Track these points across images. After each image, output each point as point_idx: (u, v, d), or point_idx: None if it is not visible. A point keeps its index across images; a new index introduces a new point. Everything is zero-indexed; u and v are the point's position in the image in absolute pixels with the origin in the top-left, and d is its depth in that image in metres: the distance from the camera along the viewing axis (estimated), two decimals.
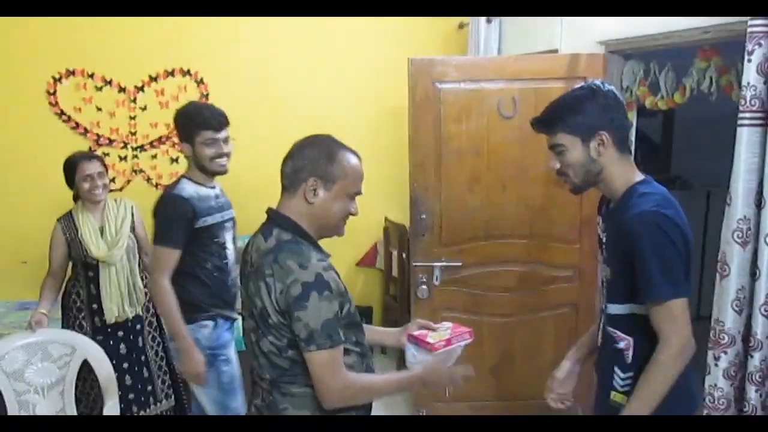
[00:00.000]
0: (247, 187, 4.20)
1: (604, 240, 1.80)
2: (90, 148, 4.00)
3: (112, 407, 2.52)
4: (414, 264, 3.26)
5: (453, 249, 3.26)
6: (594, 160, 1.67)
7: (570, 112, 1.67)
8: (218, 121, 2.47)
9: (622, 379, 1.69)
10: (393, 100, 4.35)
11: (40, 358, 2.70)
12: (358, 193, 1.66)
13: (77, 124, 4.03)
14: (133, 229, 3.06)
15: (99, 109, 4.06)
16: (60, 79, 3.97)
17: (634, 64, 3.17)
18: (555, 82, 3.12)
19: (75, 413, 2.74)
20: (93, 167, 2.89)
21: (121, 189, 4.14)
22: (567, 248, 3.26)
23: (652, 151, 4.32)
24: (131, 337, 3.01)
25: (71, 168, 2.90)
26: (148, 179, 4.20)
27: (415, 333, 1.87)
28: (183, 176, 2.58)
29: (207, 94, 4.20)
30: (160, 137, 4.17)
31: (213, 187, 2.59)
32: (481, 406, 3.41)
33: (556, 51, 3.39)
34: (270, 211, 1.66)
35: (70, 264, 3.00)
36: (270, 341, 1.56)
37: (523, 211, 3.22)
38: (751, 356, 2.44)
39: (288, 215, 1.61)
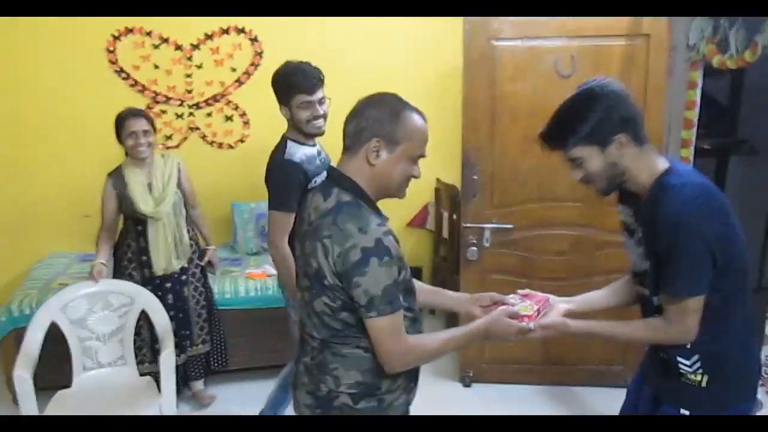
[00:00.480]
0: None
1: (634, 230, 1.74)
2: (147, 106, 4.09)
3: (168, 356, 2.61)
4: (464, 225, 3.24)
5: (504, 211, 3.22)
6: (615, 164, 1.60)
7: (580, 124, 1.59)
8: (311, 83, 2.45)
9: (690, 365, 1.64)
10: (448, 60, 4.28)
11: (101, 307, 2.84)
12: (422, 155, 1.61)
13: (135, 82, 4.11)
14: (179, 184, 3.12)
15: (156, 67, 4.13)
16: (119, 37, 4.04)
17: (701, 21, 3.01)
18: (616, 39, 3.02)
19: (134, 360, 2.87)
20: (138, 125, 2.93)
21: (177, 146, 4.23)
22: None
23: (719, 113, 4.12)
24: (177, 287, 3.12)
25: (119, 124, 2.95)
26: (204, 137, 4.27)
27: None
28: (286, 138, 2.58)
29: (261, 52, 4.21)
30: (215, 95, 4.22)
31: (314, 146, 2.60)
32: (528, 369, 3.41)
33: None
34: (330, 170, 1.63)
35: (122, 217, 3.09)
36: (324, 302, 1.54)
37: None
38: None
39: (349, 176, 1.56)
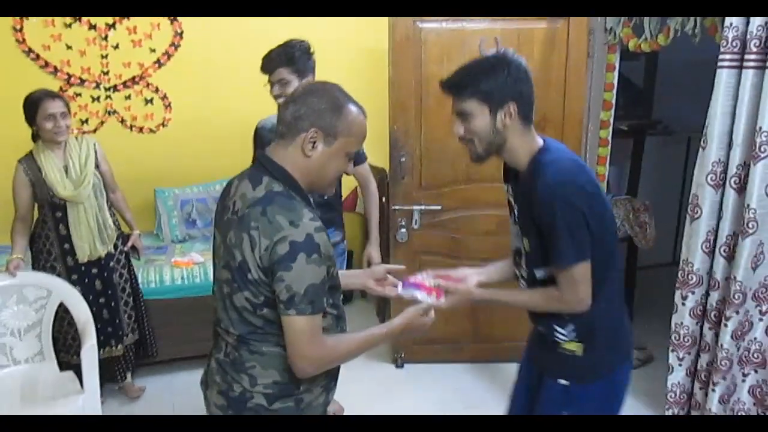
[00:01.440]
0: (222, 131, 4.15)
1: (512, 209, 1.80)
2: (60, 88, 3.88)
3: (90, 349, 2.51)
4: (393, 207, 3.25)
5: (433, 193, 3.25)
6: (499, 132, 1.64)
7: (483, 79, 1.61)
8: (269, 65, 2.59)
9: (566, 334, 1.72)
10: (374, 40, 4.26)
11: (15, 301, 2.70)
12: (358, 153, 1.58)
13: (46, 63, 3.89)
14: (97, 166, 2.99)
15: (69, 48, 3.91)
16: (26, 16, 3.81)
17: None
18: (538, 21, 3.07)
19: (53, 355, 2.75)
20: (56, 106, 2.80)
21: (94, 131, 4.04)
22: None
23: (635, 95, 4.28)
24: (105, 273, 3.02)
25: (32, 106, 2.80)
26: (122, 120, 4.10)
27: (411, 279, 1.83)
28: None
29: (181, 32, 4.06)
30: (134, 77, 4.05)
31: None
32: (458, 348, 3.48)
33: None
34: (261, 157, 1.53)
35: (36, 206, 2.94)
36: (245, 297, 1.46)
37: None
38: (709, 295, 2.51)
39: (281, 164, 1.48)
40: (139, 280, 3.30)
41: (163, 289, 3.36)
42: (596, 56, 3.22)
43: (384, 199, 3.91)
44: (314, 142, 1.47)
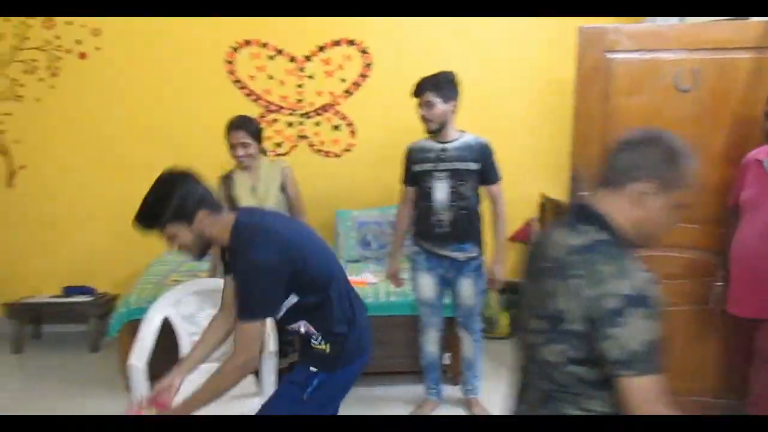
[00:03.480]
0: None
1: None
2: (261, 114, 4.27)
3: (269, 356, 2.68)
4: None
5: None
6: (202, 234, 1.93)
7: (165, 207, 1.87)
8: (418, 88, 2.94)
9: (318, 341, 2.04)
10: (558, 70, 4.18)
11: (210, 305, 2.95)
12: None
13: (251, 92, 4.30)
14: (283, 189, 3.20)
15: (271, 78, 4.31)
16: (237, 49, 4.25)
17: None
18: (743, 52, 2.82)
19: None
20: (236, 137, 3.07)
21: (286, 154, 4.38)
22: None
23: None
24: None
25: (226, 132, 3.11)
26: (311, 145, 4.40)
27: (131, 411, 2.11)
28: None
29: (370, 64, 4.29)
30: (324, 105, 4.34)
31: (443, 143, 2.99)
32: None
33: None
34: (581, 205, 1.46)
35: None
36: (557, 349, 1.37)
37: (697, 193, 2.95)
38: None
39: (607, 213, 1.41)
40: None
41: None
42: None
43: None
44: (648, 194, 1.39)
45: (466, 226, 2.99)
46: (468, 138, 2.99)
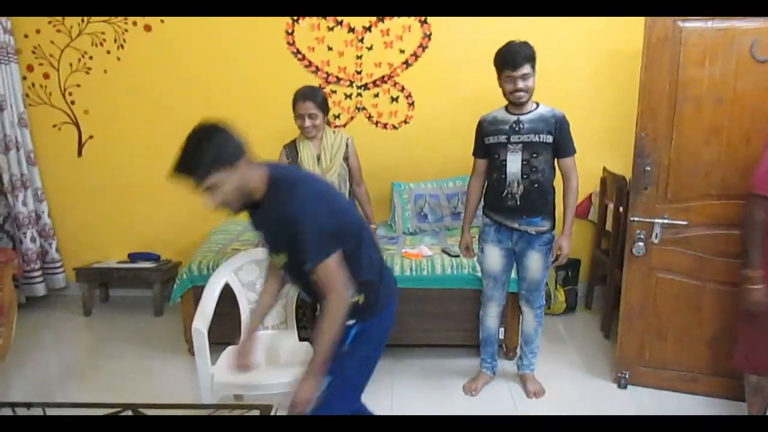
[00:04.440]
0: (460, 131, 4.25)
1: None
2: (319, 85, 4.28)
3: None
4: (632, 219, 3.05)
5: (678, 206, 2.99)
6: (244, 183, 1.92)
7: (209, 154, 1.84)
8: (514, 60, 2.80)
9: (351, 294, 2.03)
10: (623, 41, 4.04)
11: None
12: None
13: (310, 63, 4.32)
14: (346, 158, 3.28)
15: (330, 49, 4.31)
16: (297, 20, 4.26)
17: None
18: None
19: (294, 325, 3.04)
20: (304, 108, 3.12)
21: (345, 125, 4.40)
22: None
23: None
24: None
25: (293, 103, 3.17)
26: (369, 117, 4.40)
27: None
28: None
29: (429, 35, 4.24)
30: (383, 76, 4.32)
31: (518, 114, 2.92)
32: (692, 377, 3.16)
33: None
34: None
35: None
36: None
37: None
38: None
39: None
40: None
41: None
42: None
43: (621, 209, 3.70)
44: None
45: (538, 200, 2.94)
46: (544, 110, 2.92)
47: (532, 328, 3.21)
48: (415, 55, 4.28)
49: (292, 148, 3.26)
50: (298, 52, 4.30)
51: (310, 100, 3.14)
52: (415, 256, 3.63)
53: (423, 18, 4.21)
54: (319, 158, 3.22)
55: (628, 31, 3.93)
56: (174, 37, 4.33)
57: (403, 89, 4.35)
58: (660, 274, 3.08)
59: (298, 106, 3.14)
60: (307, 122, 3.13)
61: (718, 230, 2.97)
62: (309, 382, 1.97)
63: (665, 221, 2.99)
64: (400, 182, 4.29)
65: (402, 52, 4.29)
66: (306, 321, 3.30)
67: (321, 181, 2.17)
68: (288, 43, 4.30)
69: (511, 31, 3.72)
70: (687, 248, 3.02)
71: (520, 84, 2.81)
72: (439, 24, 4.22)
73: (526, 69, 2.80)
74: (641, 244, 3.02)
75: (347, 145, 3.31)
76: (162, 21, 4.31)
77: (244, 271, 3.00)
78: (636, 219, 3.03)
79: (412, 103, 4.37)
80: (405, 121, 4.41)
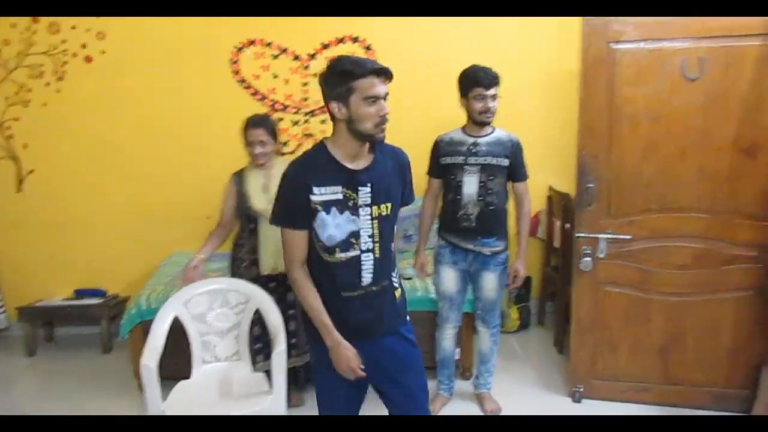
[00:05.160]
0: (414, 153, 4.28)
1: None
2: (267, 113, 4.27)
3: (279, 354, 2.69)
4: (577, 235, 3.12)
5: (621, 221, 3.08)
6: None
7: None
8: (487, 78, 2.88)
9: (396, 278, 2.12)
10: (563, 62, 4.17)
11: (220, 304, 2.97)
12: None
13: (256, 91, 4.31)
14: None
15: (275, 76, 4.31)
16: (242, 49, 4.25)
17: None
18: (750, 39, 2.80)
19: (248, 356, 2.99)
20: (255, 134, 3.07)
21: (293, 152, 4.39)
22: (754, 225, 2.94)
23: None
24: (281, 290, 3.13)
25: (243, 130, 3.12)
26: None
27: None
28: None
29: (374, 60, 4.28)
30: None
31: (475, 137, 2.98)
32: (644, 388, 3.23)
33: None
34: None
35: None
36: None
37: (705, 182, 2.95)
38: None
39: None
40: None
41: None
42: None
43: (567, 226, 3.78)
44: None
45: (493, 221, 2.98)
46: (500, 134, 2.99)
47: (488, 348, 3.24)
48: None
49: (239, 176, 3.19)
50: (244, 80, 4.29)
51: (261, 127, 3.10)
52: None
53: (367, 44, 4.26)
54: (266, 187, 3.14)
55: (565, 53, 4.06)
56: (115, 67, 4.26)
57: None
58: (608, 288, 3.16)
59: (248, 133, 3.10)
60: (258, 149, 3.08)
61: (660, 243, 3.07)
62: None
63: (609, 236, 3.07)
64: None
65: None
66: (258, 352, 3.17)
67: None
68: (233, 72, 4.28)
69: (454, 55, 3.81)
70: (632, 261, 3.11)
71: (490, 103, 2.89)
72: (383, 49, 4.28)
73: (495, 90, 2.89)
74: (588, 259, 3.10)
75: None
76: (103, 52, 4.24)
77: (194, 303, 2.94)
78: (581, 235, 3.10)
79: None
80: None
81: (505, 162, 2.94)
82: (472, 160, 2.95)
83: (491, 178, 2.94)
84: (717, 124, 2.89)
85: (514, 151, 2.96)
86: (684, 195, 2.99)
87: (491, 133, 2.98)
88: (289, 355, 3.16)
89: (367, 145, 1.95)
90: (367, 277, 1.98)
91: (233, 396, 2.71)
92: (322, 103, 1.98)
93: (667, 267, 3.08)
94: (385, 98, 1.95)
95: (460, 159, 2.97)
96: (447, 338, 3.25)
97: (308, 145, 4.39)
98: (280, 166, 3.17)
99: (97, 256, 4.51)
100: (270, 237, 3.07)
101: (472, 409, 3.28)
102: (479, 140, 2.96)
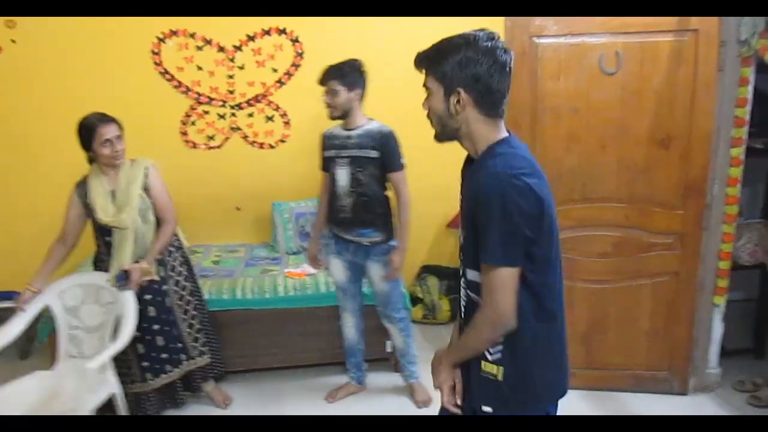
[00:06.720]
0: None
1: (461, 198, 1.68)
2: (191, 107, 4.16)
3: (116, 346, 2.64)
4: None
5: None
6: (452, 116, 1.55)
7: (437, 58, 1.53)
8: (322, 77, 2.99)
9: (491, 348, 1.57)
10: None
11: (93, 300, 2.87)
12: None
13: (180, 83, 4.18)
14: (146, 190, 2.86)
15: (200, 69, 4.19)
16: (164, 39, 4.11)
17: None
18: (663, 35, 2.93)
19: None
20: (111, 131, 2.74)
21: (219, 146, 4.28)
22: (669, 213, 3.08)
23: None
24: (159, 298, 2.94)
25: (88, 132, 2.73)
26: (245, 137, 4.32)
27: None
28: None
29: (302, 53, 4.23)
30: (257, 96, 4.26)
31: (349, 130, 3.03)
32: (571, 374, 3.33)
33: None
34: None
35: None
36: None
37: (623, 173, 3.07)
38: None
39: None
40: (254, 291, 3.44)
41: (277, 299, 3.48)
42: (728, 70, 3.01)
43: None
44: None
45: (366, 213, 3.01)
46: (372, 126, 3.00)
47: (401, 342, 3.29)
48: (288, 74, 4.26)
49: (82, 186, 2.82)
50: (166, 72, 4.15)
51: (114, 122, 2.78)
52: (299, 276, 3.59)
53: (294, 36, 4.21)
54: (113, 194, 2.81)
55: None
56: (27, 57, 4.03)
57: (278, 108, 4.31)
58: None
59: (101, 131, 2.71)
60: (118, 147, 2.75)
61: (582, 232, 3.18)
62: (443, 365, 1.70)
63: None
64: (280, 202, 4.23)
65: (275, 71, 4.25)
66: (131, 374, 2.96)
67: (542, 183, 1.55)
68: (155, 63, 4.13)
69: (380, 48, 3.80)
70: None
71: (326, 99, 2.97)
72: (310, 42, 4.23)
73: (333, 85, 2.93)
74: None
75: (146, 174, 2.86)
76: (13, 41, 4.00)
77: (68, 294, 2.85)
78: None
79: (288, 122, 4.34)
80: (282, 140, 4.36)
81: (374, 153, 2.95)
82: (343, 153, 3.02)
83: (360, 169, 2.98)
84: (634, 117, 3.00)
85: (382, 142, 2.95)
86: (604, 185, 3.10)
87: (364, 125, 3.01)
88: (180, 362, 3.05)
89: None
90: None
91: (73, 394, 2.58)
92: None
93: (590, 255, 3.19)
94: None
95: (333, 152, 3.06)
96: (348, 326, 3.30)
97: (236, 139, 4.30)
98: (127, 167, 2.88)
99: (10, 257, 4.26)
100: (123, 248, 2.79)
101: (404, 402, 3.30)
102: (351, 133, 3.01)
